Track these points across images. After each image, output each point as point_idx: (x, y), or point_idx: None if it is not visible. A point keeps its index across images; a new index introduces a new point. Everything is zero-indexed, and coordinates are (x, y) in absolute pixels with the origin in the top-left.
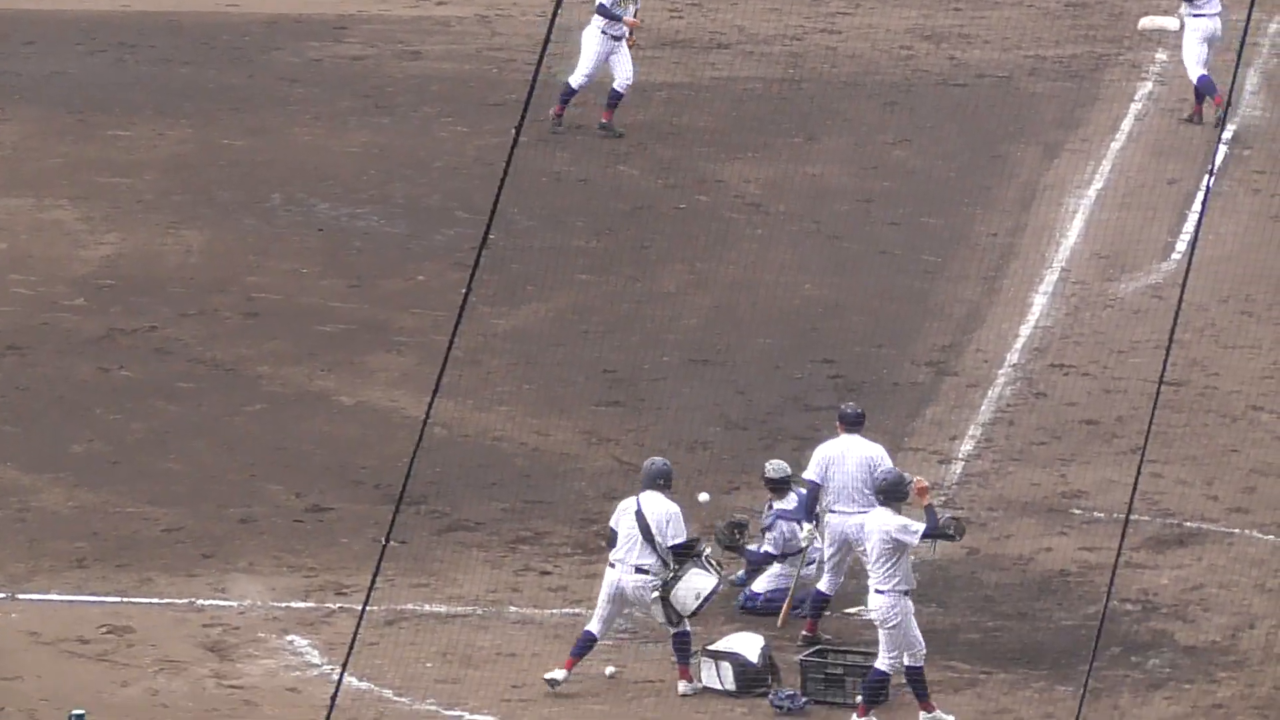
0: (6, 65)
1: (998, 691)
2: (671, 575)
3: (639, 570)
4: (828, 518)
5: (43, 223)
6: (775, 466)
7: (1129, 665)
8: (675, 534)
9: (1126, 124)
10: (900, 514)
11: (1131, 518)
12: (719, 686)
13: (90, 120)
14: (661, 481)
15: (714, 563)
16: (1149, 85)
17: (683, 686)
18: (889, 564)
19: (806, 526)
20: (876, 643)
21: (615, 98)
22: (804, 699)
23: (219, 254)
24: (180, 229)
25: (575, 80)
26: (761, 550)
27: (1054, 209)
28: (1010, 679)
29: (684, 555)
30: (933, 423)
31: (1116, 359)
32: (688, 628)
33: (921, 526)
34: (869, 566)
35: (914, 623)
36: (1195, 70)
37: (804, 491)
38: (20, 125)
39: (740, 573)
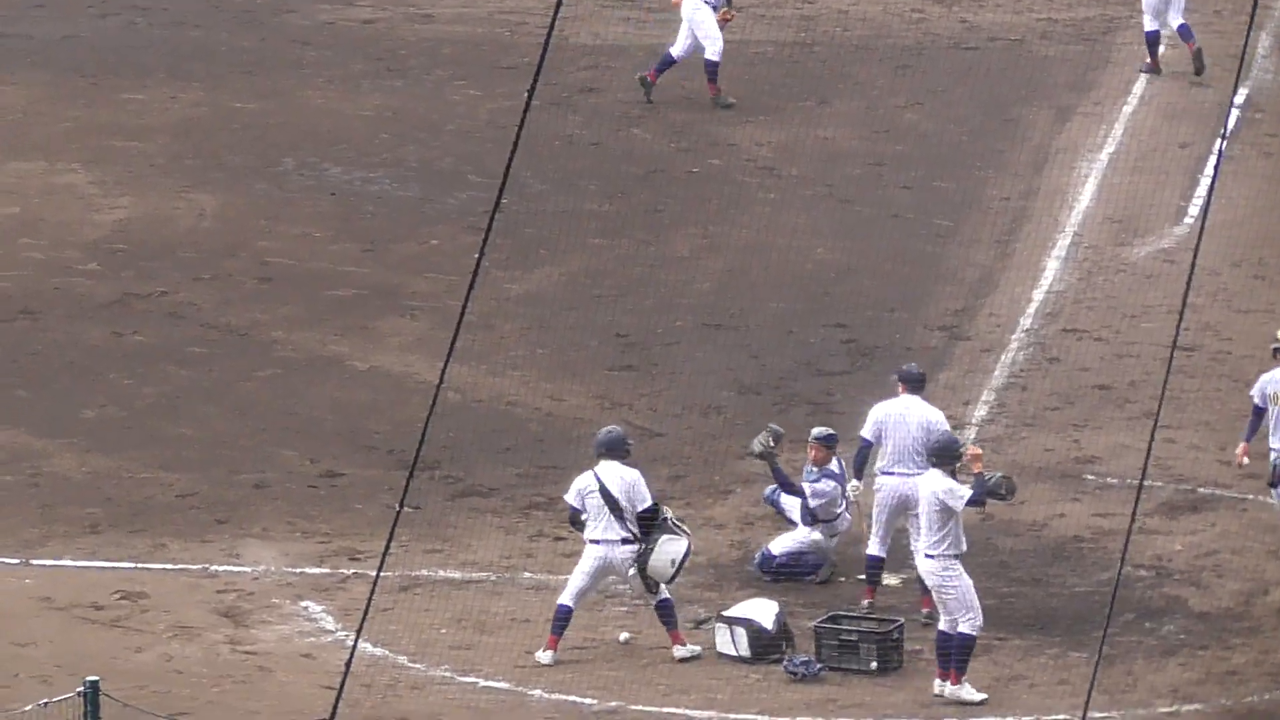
0: (17, 28)
1: (1012, 658)
2: (644, 547)
3: (625, 542)
4: (880, 479)
5: (54, 187)
6: (824, 428)
7: (1143, 631)
8: (642, 498)
9: (1138, 87)
10: (951, 477)
11: (1145, 483)
12: (733, 652)
13: (102, 84)
14: (604, 450)
15: (680, 525)
16: (1161, 48)
17: (679, 651)
18: (938, 528)
19: (854, 482)
20: (893, 609)
21: (668, 63)
22: (818, 665)
23: (231, 218)
24: (192, 193)
25: (711, 54)
26: (781, 476)
27: (1066, 173)
28: (1024, 645)
29: (650, 523)
30: (946, 387)
31: (1129, 323)
32: (667, 594)
33: (968, 492)
34: (918, 530)
35: (971, 587)
36: (1149, 23)
37: (842, 461)
38: (31, 89)
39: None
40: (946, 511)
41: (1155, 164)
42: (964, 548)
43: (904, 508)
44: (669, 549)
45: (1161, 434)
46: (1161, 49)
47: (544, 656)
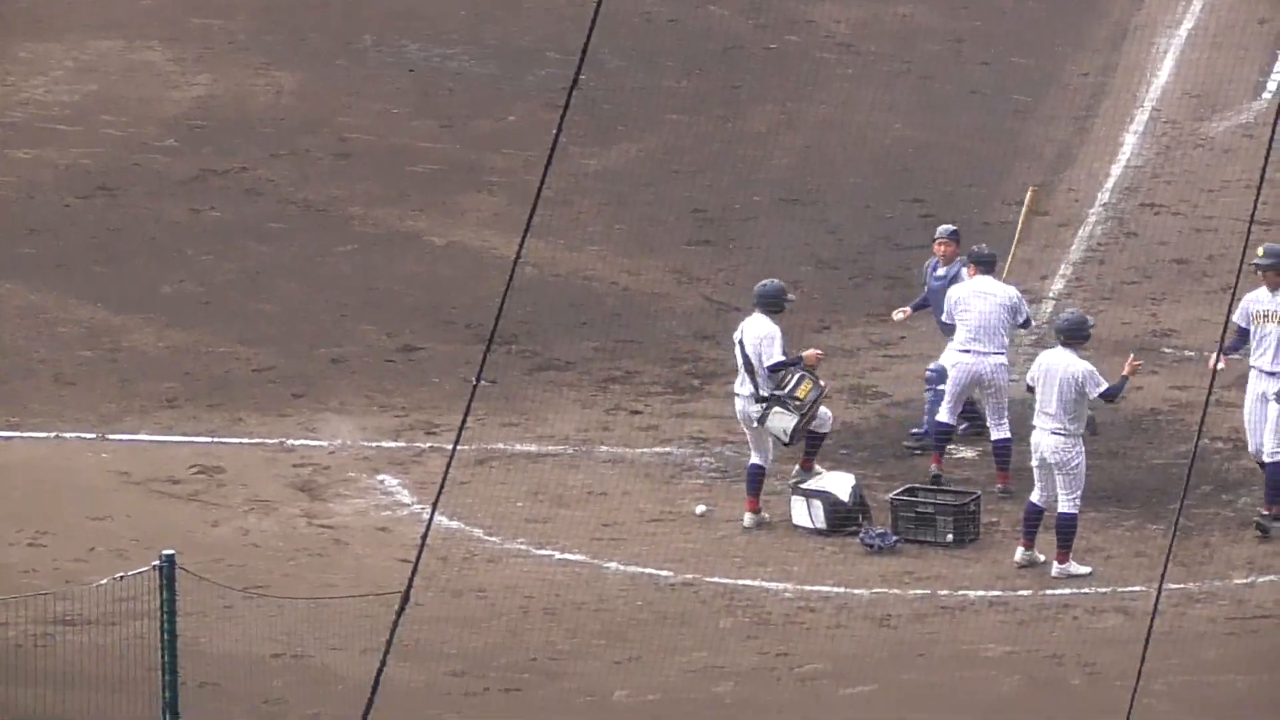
0: None
1: (1089, 530)
2: (763, 409)
3: (756, 399)
4: (956, 356)
5: (134, 64)
6: (948, 225)
7: (1220, 503)
8: (768, 354)
9: None
10: (1082, 358)
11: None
12: (809, 525)
13: None
14: (754, 301)
15: (794, 401)
16: None
17: (747, 520)
18: (1071, 408)
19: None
20: (969, 482)
21: None
22: (894, 537)
23: (310, 95)
24: (271, 70)
25: None
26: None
27: (1145, 48)
28: (1101, 517)
29: (780, 381)
30: (1023, 261)
31: (1207, 198)
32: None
33: (1106, 385)
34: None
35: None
36: None
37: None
38: None
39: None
40: (1082, 394)
41: (1234, 39)
42: (1084, 424)
43: (977, 384)
44: (776, 421)
45: None
46: None
47: (746, 519)
